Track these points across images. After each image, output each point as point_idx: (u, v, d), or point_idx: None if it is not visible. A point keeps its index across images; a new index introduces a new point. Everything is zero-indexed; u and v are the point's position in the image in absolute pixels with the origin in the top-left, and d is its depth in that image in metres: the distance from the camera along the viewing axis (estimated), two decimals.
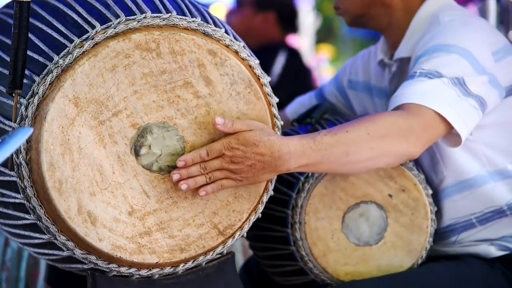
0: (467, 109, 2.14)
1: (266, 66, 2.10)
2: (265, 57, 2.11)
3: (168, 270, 2.02)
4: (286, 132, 2.35)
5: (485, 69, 2.19)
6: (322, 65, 11.00)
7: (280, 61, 4.55)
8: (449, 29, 2.26)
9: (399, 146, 2.09)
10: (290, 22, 4.78)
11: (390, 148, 2.09)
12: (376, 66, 2.52)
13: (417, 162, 2.31)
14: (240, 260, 3.12)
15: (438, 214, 2.33)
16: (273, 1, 4.66)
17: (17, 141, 1.62)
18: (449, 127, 2.13)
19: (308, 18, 10.44)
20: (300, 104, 2.76)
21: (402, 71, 2.38)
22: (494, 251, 2.32)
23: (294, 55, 4.78)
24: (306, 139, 2.02)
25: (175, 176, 1.95)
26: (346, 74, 2.67)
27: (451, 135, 2.16)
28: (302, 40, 10.27)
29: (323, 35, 12.86)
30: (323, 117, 2.40)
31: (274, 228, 2.27)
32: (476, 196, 2.30)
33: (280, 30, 4.69)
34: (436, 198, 2.34)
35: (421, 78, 2.15)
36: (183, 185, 1.95)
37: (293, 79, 4.59)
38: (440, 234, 2.36)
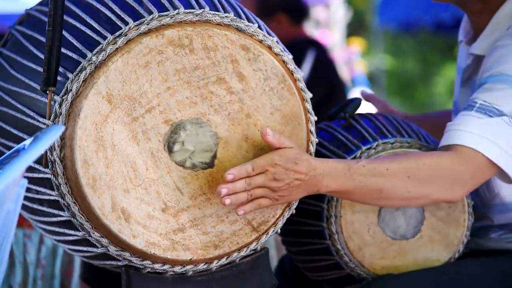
0: None
1: (296, 64, 2.09)
2: (294, 55, 2.10)
3: (202, 266, 2.01)
4: (320, 127, 2.33)
5: None
6: (354, 58, 10.96)
7: (309, 59, 4.54)
8: None
9: (439, 193, 2.08)
10: (301, 13, 4.75)
11: (429, 194, 2.07)
12: (458, 45, 2.44)
13: None
14: (273, 256, 3.11)
15: (486, 218, 2.30)
16: (276, 3, 4.61)
17: (50, 139, 1.62)
18: (500, 169, 2.08)
19: (339, 11, 10.41)
20: None
21: (476, 66, 2.30)
22: None
23: (322, 52, 4.75)
24: (342, 164, 2.01)
25: (224, 190, 1.92)
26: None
27: (503, 173, 2.11)
28: (333, 34, 10.25)
29: (354, 29, 12.82)
30: (356, 111, 2.37)
31: (309, 223, 2.26)
32: None
33: (295, 25, 4.66)
34: (487, 209, 2.30)
35: (480, 115, 2.08)
36: (227, 200, 1.93)
37: (323, 75, 4.58)
38: (485, 230, 2.33)
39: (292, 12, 4.66)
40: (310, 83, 4.32)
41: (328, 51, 5.14)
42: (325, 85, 4.55)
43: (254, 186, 1.94)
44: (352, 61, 10.73)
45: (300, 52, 4.54)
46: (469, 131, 2.08)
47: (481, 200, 2.31)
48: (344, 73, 9.58)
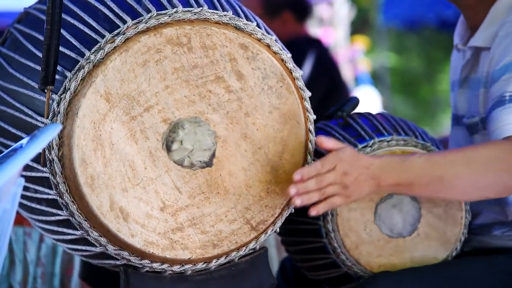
0: None
1: (297, 64, 2.09)
2: (296, 53, 2.09)
3: (200, 266, 2.01)
4: (317, 127, 2.33)
5: None
6: (358, 56, 10.96)
7: (311, 57, 4.54)
8: None
9: (507, 178, 2.04)
10: (305, 11, 4.77)
11: (496, 179, 2.04)
12: (454, 52, 2.44)
13: None
14: (273, 256, 3.11)
15: (502, 212, 2.29)
16: (281, 1, 4.63)
17: (47, 137, 1.62)
18: None
19: (342, 9, 10.41)
20: None
21: (476, 59, 2.29)
22: None
23: (324, 51, 4.76)
24: (397, 158, 2.04)
25: (292, 190, 1.93)
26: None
27: None
28: (337, 32, 10.25)
29: (358, 27, 12.82)
30: (354, 110, 2.37)
31: (305, 221, 2.25)
32: None
33: (299, 23, 4.68)
34: (503, 204, 2.28)
35: None
36: (298, 200, 1.94)
37: (325, 74, 4.58)
38: (487, 227, 2.32)
39: (297, 10, 4.67)
40: (312, 82, 4.33)
41: (329, 50, 5.14)
42: (326, 84, 4.55)
43: (326, 183, 1.95)
44: (356, 59, 10.73)
45: (302, 50, 4.54)
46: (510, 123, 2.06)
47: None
48: (347, 71, 9.57)
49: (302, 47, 4.54)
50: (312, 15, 4.95)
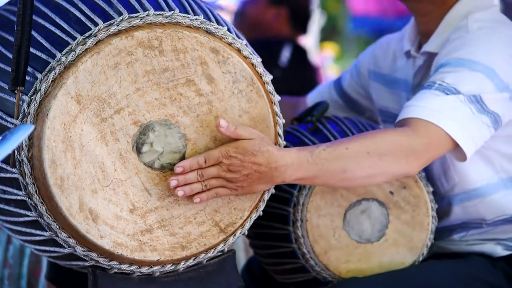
0: (479, 127, 2.12)
1: (272, 59, 2.10)
2: (271, 50, 2.11)
3: (169, 267, 2.02)
4: (287, 131, 2.35)
5: (508, 86, 2.15)
6: (327, 63, 11.00)
7: (285, 55, 4.56)
8: (476, 42, 2.20)
9: (397, 166, 2.08)
10: (302, 22, 4.78)
11: (388, 167, 2.08)
12: (402, 57, 2.48)
13: (427, 167, 2.28)
14: (242, 258, 3.13)
15: (448, 213, 2.33)
16: None
17: (18, 138, 1.63)
18: (456, 144, 2.11)
19: (312, 16, 10.45)
20: (320, 92, 2.75)
21: (428, 65, 2.34)
22: (500, 251, 2.32)
23: (300, 51, 4.78)
24: (304, 152, 2.01)
25: (173, 182, 1.94)
26: (366, 64, 2.62)
27: (458, 149, 2.13)
28: (307, 38, 10.28)
29: (328, 34, 12.86)
30: (323, 115, 2.40)
31: (275, 226, 2.27)
32: (487, 205, 2.30)
33: (290, 28, 4.69)
34: (447, 202, 2.33)
35: (438, 92, 2.11)
36: (180, 192, 1.95)
37: (298, 74, 4.59)
38: (447, 231, 2.35)
39: (295, 14, 4.69)
40: (285, 79, 4.34)
41: (306, 52, 5.14)
42: (299, 83, 4.56)
43: (207, 177, 1.95)
44: (325, 66, 10.77)
45: (278, 48, 4.55)
46: (425, 106, 2.11)
47: (440, 195, 2.34)
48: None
49: (279, 45, 4.55)
50: (306, 30, 4.97)
